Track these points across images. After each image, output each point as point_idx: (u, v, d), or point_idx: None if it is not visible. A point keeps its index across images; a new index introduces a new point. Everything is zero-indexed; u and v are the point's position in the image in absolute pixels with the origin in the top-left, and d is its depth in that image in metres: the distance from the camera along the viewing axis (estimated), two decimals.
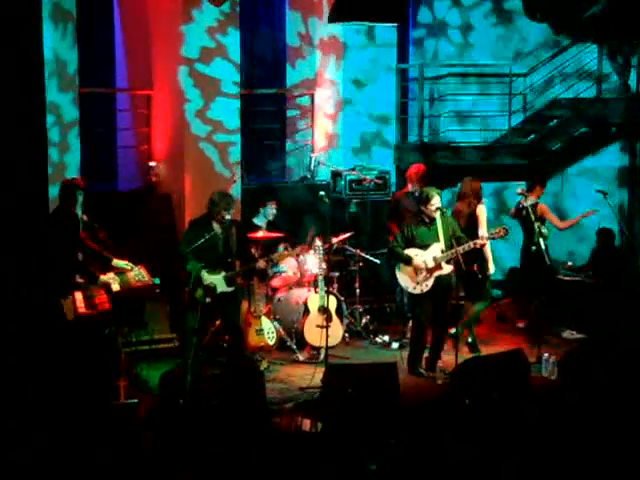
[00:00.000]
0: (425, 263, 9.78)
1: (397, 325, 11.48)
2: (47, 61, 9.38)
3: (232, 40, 11.64)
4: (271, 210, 10.96)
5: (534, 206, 11.02)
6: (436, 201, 9.78)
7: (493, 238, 10.09)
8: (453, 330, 10.29)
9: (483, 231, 10.35)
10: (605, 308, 11.15)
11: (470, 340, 10.65)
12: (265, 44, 13.02)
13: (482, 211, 10.56)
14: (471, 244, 9.86)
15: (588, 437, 7.33)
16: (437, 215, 9.81)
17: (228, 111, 11.66)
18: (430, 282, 9.82)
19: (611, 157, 13.39)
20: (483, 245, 10.08)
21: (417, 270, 9.80)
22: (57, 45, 10.42)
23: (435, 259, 9.78)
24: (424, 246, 9.83)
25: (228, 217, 9.68)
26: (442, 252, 9.80)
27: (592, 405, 8.01)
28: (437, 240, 9.84)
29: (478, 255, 10.28)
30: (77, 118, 10.81)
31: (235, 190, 11.47)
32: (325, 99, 13.03)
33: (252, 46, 12.79)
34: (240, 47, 11.78)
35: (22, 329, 7.29)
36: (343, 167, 12.54)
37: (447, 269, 9.85)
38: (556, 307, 11.33)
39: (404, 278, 9.94)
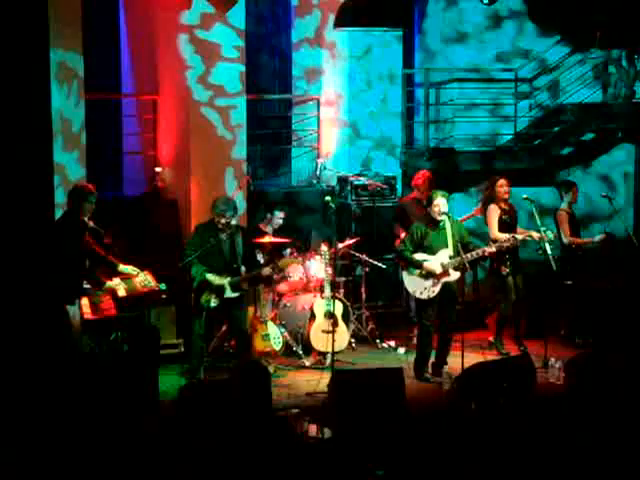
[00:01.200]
0: (433, 269, 9.78)
1: (403, 330, 11.47)
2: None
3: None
4: (277, 220, 10.99)
5: (555, 211, 11.35)
6: (439, 202, 9.77)
7: (501, 248, 10.08)
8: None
9: (492, 233, 10.46)
10: (612, 313, 11.13)
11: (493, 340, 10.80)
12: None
13: (490, 212, 10.64)
14: (479, 251, 9.86)
15: (594, 441, 7.32)
16: (445, 219, 9.81)
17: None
18: (437, 288, 9.81)
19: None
20: (492, 253, 10.06)
21: (426, 275, 9.79)
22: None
23: (443, 265, 9.77)
24: (432, 251, 9.82)
25: (234, 222, 9.72)
26: (450, 258, 9.80)
27: (598, 410, 8.00)
28: (445, 246, 9.83)
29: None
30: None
31: (240, 196, 11.51)
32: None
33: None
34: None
35: (29, 335, 7.32)
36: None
37: (455, 275, 9.84)
38: (564, 313, 11.31)
39: (411, 283, 9.93)
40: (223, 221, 9.61)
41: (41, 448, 6.81)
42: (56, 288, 8.16)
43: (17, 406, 7.20)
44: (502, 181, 10.80)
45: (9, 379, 7.25)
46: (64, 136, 10.35)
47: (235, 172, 11.63)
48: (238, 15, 11.50)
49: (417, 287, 9.88)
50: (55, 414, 7.18)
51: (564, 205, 11.36)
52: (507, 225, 10.64)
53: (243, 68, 11.61)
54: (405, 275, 9.97)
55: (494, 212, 10.69)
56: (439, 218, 9.79)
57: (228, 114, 11.58)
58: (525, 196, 10.96)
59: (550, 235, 10.75)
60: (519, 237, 10.26)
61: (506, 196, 10.78)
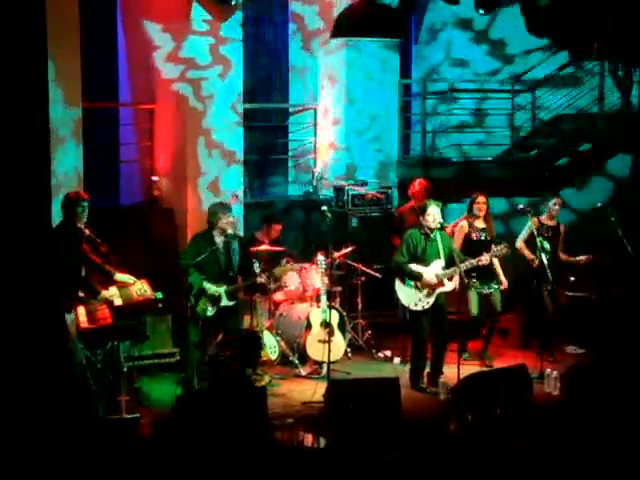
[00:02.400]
0: (431, 280, 9.76)
1: (399, 340, 11.44)
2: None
3: None
4: (274, 232, 11.05)
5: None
6: (432, 211, 9.74)
7: (495, 256, 10.06)
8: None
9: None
10: (608, 324, 11.13)
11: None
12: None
13: (458, 229, 10.68)
14: (473, 261, 9.84)
15: (591, 451, 7.32)
16: (437, 230, 9.79)
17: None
18: (432, 299, 9.80)
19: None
20: (486, 262, 10.03)
21: (421, 287, 9.78)
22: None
23: (437, 276, 9.76)
24: (425, 262, 9.80)
25: (230, 231, 9.70)
26: (442, 269, 9.79)
27: (595, 420, 8.00)
28: (438, 257, 9.82)
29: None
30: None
31: (238, 206, 11.52)
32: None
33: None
34: None
35: (27, 343, 7.31)
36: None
37: (449, 286, 9.83)
38: (559, 322, 11.29)
39: (405, 296, 9.90)
40: (227, 221, 9.58)
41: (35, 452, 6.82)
42: (53, 296, 8.15)
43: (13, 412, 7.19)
44: (480, 198, 10.77)
45: (6, 386, 7.24)
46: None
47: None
48: None
49: (411, 299, 9.86)
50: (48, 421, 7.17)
51: (542, 215, 11.20)
52: (478, 243, 10.60)
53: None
54: (399, 287, 9.94)
55: (460, 230, 10.72)
56: (433, 226, 9.77)
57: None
58: (521, 206, 10.97)
59: (546, 246, 10.76)
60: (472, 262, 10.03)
61: (479, 213, 10.75)
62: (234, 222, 9.74)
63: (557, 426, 8.06)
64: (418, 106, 13.28)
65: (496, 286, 10.71)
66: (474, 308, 10.66)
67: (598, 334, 11.09)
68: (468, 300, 10.58)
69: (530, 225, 10.86)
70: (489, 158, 13.24)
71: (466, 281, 9.78)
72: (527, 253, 11.01)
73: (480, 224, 10.77)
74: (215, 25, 11.51)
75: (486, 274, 10.52)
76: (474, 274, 10.33)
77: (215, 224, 9.65)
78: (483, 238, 10.68)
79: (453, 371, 9.58)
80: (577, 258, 11.26)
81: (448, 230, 10.41)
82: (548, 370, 9.99)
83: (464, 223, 10.77)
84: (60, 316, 8.60)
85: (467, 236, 10.70)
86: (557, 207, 11.21)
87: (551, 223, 11.19)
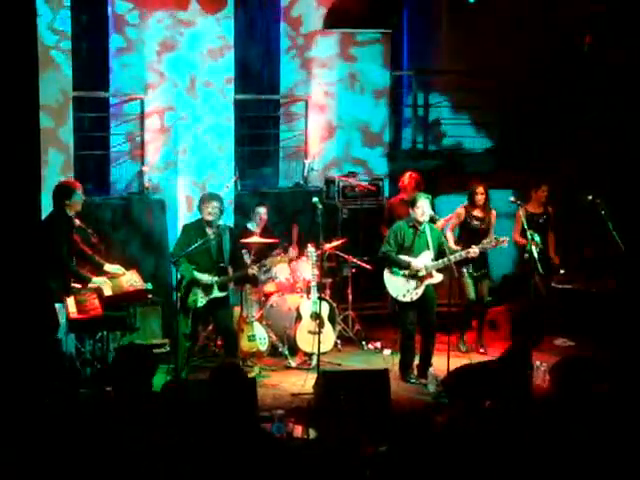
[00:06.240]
0: (420, 267, 9.78)
1: (389, 332, 11.46)
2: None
3: None
4: (260, 216, 11.00)
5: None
6: (421, 204, 9.77)
7: (484, 249, 10.08)
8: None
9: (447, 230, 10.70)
10: (600, 316, 11.14)
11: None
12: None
13: (455, 215, 10.91)
14: (463, 253, 9.88)
15: (577, 444, 7.33)
16: (426, 223, 9.81)
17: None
18: (420, 290, 9.83)
19: None
20: (475, 255, 10.06)
21: (409, 278, 9.80)
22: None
23: (426, 267, 9.78)
24: (414, 253, 9.83)
25: (219, 222, 9.71)
26: (432, 261, 9.81)
27: (584, 413, 8.00)
28: (427, 248, 9.84)
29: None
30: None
31: (228, 196, 11.50)
32: None
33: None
34: None
35: (16, 333, 7.30)
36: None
37: (438, 278, 9.85)
38: (549, 315, 11.32)
39: (394, 287, 9.92)
40: (207, 211, 9.58)
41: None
42: (43, 286, 8.14)
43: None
44: (480, 188, 10.84)
45: None
46: None
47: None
48: None
49: (400, 290, 9.88)
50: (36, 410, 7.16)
51: (529, 204, 11.18)
52: (474, 231, 10.66)
53: None
54: (388, 278, 9.95)
55: (457, 217, 10.91)
56: (421, 219, 9.79)
57: None
58: (512, 199, 10.97)
59: (537, 239, 10.76)
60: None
61: (480, 202, 10.81)
62: (216, 211, 9.68)
63: (550, 419, 8.07)
64: (409, 97, 13.28)
65: (484, 272, 10.86)
66: (471, 293, 10.77)
67: (588, 327, 11.11)
68: (464, 286, 10.67)
69: (520, 217, 10.87)
70: (480, 150, 13.25)
71: (456, 274, 9.82)
72: (523, 241, 10.96)
73: (479, 213, 10.82)
74: (207, 15, 11.50)
75: (478, 261, 10.61)
76: (470, 262, 10.55)
77: (203, 216, 9.68)
78: (479, 227, 10.74)
79: (443, 362, 9.60)
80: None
81: (440, 224, 10.39)
82: (537, 362, 10.00)
83: (461, 210, 10.86)
84: (49, 306, 8.59)
85: (464, 223, 10.78)
86: (544, 194, 11.20)
87: (539, 211, 11.21)
